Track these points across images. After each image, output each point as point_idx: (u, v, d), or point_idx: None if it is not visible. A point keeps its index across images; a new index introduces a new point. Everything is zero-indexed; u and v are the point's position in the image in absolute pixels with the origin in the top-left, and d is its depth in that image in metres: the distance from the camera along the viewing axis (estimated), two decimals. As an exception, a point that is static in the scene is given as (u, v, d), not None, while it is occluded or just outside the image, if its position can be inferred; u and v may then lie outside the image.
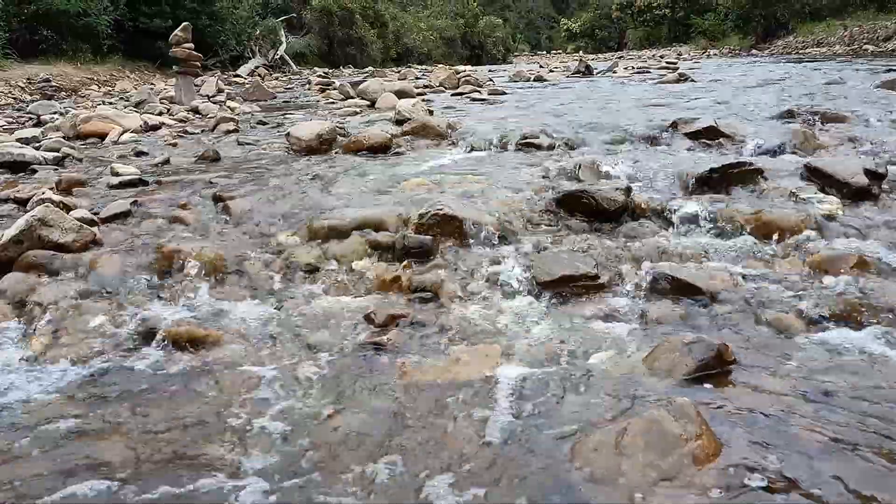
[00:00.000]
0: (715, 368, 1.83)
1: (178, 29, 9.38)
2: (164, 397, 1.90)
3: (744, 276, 2.47)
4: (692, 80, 10.97)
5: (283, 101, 11.48)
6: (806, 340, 2.03)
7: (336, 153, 5.04)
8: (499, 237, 2.86)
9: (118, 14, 17.98)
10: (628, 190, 3.14)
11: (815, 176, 3.35)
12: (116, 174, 4.19)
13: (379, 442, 1.63)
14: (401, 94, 8.73)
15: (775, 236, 2.78)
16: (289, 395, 1.87)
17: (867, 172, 3.23)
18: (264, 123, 7.52)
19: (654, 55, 30.54)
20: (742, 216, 2.91)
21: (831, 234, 2.78)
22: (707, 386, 1.77)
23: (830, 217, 2.92)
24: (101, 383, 1.99)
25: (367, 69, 24.36)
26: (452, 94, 10.39)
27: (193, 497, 1.46)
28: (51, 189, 3.79)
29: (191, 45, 9.34)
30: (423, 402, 1.80)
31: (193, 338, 2.21)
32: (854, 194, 3.16)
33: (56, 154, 5.13)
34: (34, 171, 4.65)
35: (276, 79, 19.95)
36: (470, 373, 1.94)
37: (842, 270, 2.43)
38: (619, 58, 29.38)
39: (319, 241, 2.91)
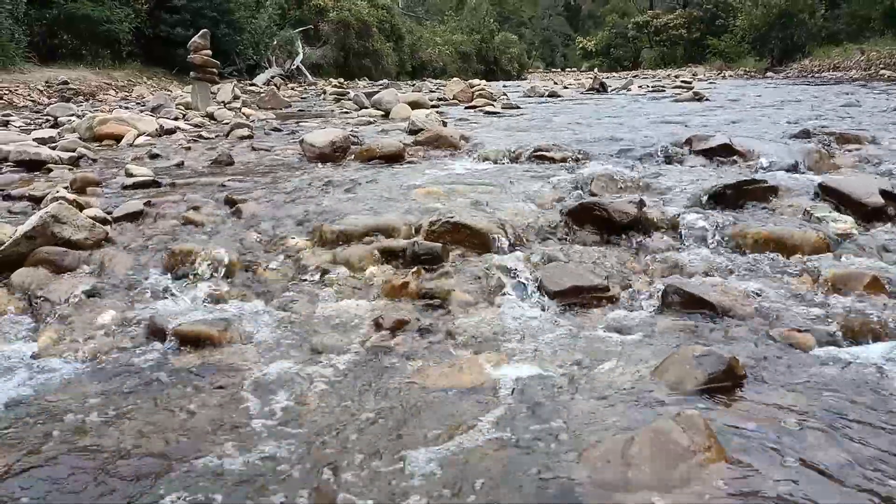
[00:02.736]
0: (725, 382, 1.81)
1: (197, 35, 9.49)
2: (170, 395, 1.90)
3: (756, 293, 2.45)
4: (707, 100, 10.97)
5: (298, 110, 11.56)
6: (817, 357, 2.00)
7: (349, 161, 5.06)
8: (509, 246, 2.85)
9: (139, 22, 18.22)
10: (641, 203, 3.13)
11: (830, 195, 3.33)
12: (130, 175, 4.23)
13: (383, 445, 1.61)
14: (415, 106, 8.79)
15: (788, 253, 2.75)
16: (294, 396, 1.86)
17: (883, 193, 3.20)
18: (279, 130, 7.58)
19: (669, 75, 30.55)
20: (755, 233, 2.89)
21: (845, 253, 2.75)
22: (716, 399, 1.75)
23: (845, 236, 2.90)
24: (108, 379, 1.99)
25: (382, 81, 24.51)
26: (466, 108, 10.44)
27: (194, 494, 1.45)
28: (65, 188, 3.83)
29: (209, 51, 9.43)
30: (430, 407, 1.79)
31: (201, 337, 2.20)
32: (869, 214, 3.13)
33: (71, 154, 5.18)
34: (49, 171, 4.70)
35: (292, 88, 20.13)
36: (477, 379, 1.93)
37: (855, 289, 2.40)
38: (634, 76, 29.42)
39: (330, 245, 2.91)
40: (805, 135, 5.32)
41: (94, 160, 5.29)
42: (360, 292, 2.59)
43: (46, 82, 14.10)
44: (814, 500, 1.35)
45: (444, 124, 6.73)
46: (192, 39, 9.48)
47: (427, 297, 2.50)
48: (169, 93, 14.18)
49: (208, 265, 2.70)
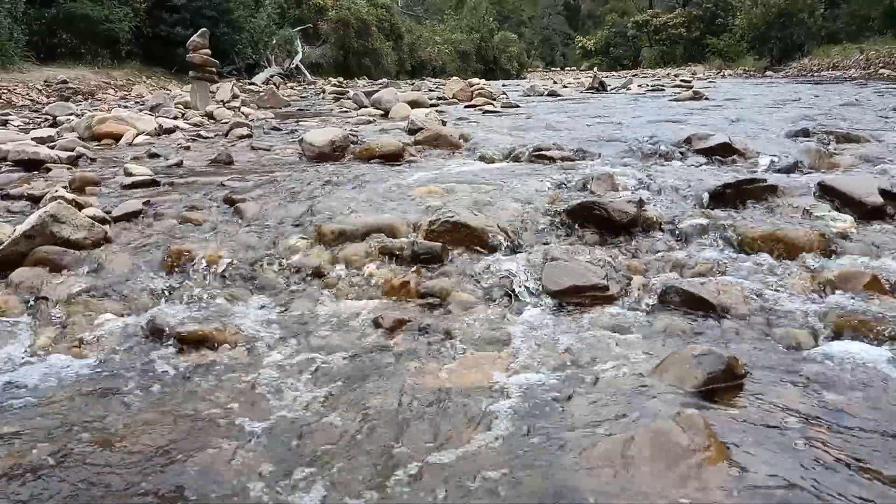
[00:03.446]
0: (724, 381, 1.81)
1: (196, 35, 9.47)
2: (168, 395, 1.90)
3: (755, 292, 2.44)
4: (706, 99, 10.97)
5: (298, 109, 11.55)
6: (817, 356, 2.00)
7: (349, 160, 5.06)
8: (508, 246, 2.85)
9: (139, 21, 18.20)
10: (640, 203, 3.13)
11: (829, 194, 3.33)
12: (129, 174, 4.22)
13: (382, 444, 1.61)
14: (414, 105, 8.78)
15: (788, 253, 2.75)
16: (294, 395, 1.86)
17: (882, 192, 3.20)
18: (278, 129, 7.57)
19: (668, 74, 30.56)
20: (754, 232, 2.89)
21: (844, 252, 2.75)
22: (716, 398, 1.75)
23: (844, 235, 2.89)
24: (106, 379, 1.99)
25: (381, 80, 24.50)
26: (465, 107, 10.43)
27: (193, 495, 1.44)
28: (64, 187, 3.82)
29: (207, 50, 9.41)
30: (428, 407, 1.79)
31: (200, 337, 2.20)
32: (868, 213, 3.13)
33: (70, 153, 5.17)
34: (48, 170, 4.69)
35: (291, 87, 20.11)
36: (475, 379, 1.93)
37: (854, 288, 2.40)
38: (634, 75, 29.42)
39: (329, 244, 2.90)
40: (804, 134, 5.33)
41: (93, 159, 5.28)
42: (360, 292, 2.59)
43: (45, 81, 14.09)
44: (814, 499, 1.35)
45: (444, 123, 6.72)
46: (192, 38, 9.45)
47: (427, 297, 2.50)
48: (168, 92, 14.18)
49: (207, 265, 2.69)
